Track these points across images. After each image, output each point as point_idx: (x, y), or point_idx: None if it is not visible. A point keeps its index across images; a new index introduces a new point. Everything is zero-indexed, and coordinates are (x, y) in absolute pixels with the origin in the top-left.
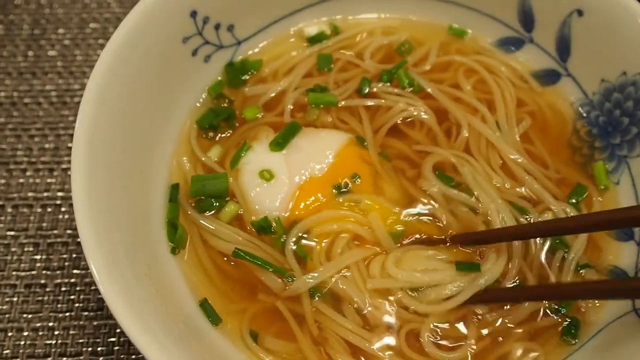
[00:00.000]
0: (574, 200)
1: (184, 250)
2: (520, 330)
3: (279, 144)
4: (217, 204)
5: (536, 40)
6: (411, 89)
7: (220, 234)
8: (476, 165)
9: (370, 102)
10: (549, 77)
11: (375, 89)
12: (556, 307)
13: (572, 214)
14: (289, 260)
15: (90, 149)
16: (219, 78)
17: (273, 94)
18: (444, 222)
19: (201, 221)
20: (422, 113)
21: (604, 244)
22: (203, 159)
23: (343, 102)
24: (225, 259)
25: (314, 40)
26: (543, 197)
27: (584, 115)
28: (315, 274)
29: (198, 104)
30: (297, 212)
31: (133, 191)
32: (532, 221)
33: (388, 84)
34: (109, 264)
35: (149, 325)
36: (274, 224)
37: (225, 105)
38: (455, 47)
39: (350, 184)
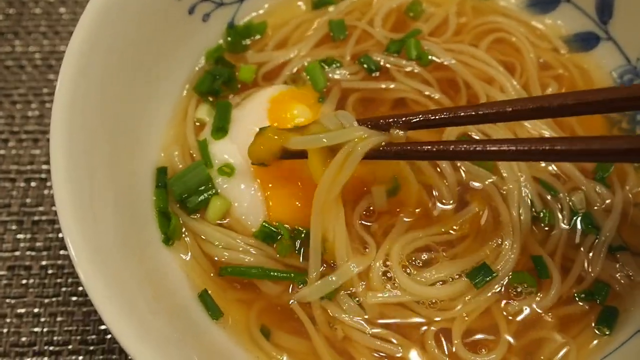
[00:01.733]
0: (600, 175)
1: (178, 242)
2: (551, 320)
3: (220, 130)
4: (204, 199)
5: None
6: (419, 60)
7: (212, 238)
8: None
9: (372, 85)
10: (585, 42)
11: (387, 64)
12: (588, 294)
13: (603, 193)
14: (313, 264)
15: (71, 121)
16: (220, 42)
17: (278, 63)
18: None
19: (190, 225)
20: (436, 95)
21: None
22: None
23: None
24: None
25: (319, 4)
26: (572, 174)
27: (626, 84)
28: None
29: (197, 68)
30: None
31: (120, 169)
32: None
33: (396, 54)
34: (91, 246)
35: (135, 318)
36: (279, 231)
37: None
38: (471, 5)
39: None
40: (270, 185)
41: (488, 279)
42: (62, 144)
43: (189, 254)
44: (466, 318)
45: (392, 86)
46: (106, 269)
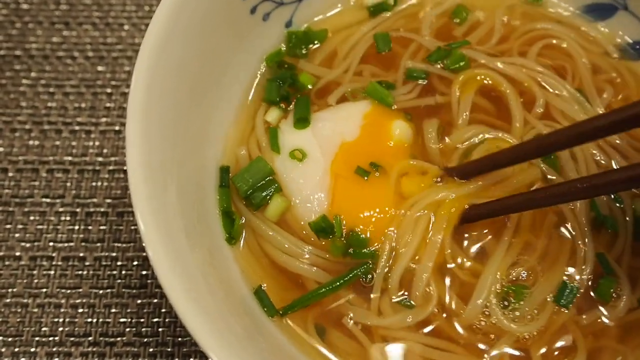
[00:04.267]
0: None
1: (239, 242)
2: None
3: (302, 120)
4: (268, 194)
5: (631, 8)
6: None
7: (272, 240)
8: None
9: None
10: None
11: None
12: None
13: None
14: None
15: (145, 120)
16: (280, 46)
17: (325, 82)
18: None
19: (253, 224)
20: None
21: None
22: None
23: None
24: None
25: (375, 10)
26: None
27: None
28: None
29: (259, 73)
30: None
31: (188, 165)
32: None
33: (440, 63)
34: (166, 244)
35: (203, 307)
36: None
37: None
38: (521, 11)
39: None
40: (343, 184)
41: (574, 299)
42: (138, 137)
43: (249, 251)
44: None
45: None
46: (174, 254)
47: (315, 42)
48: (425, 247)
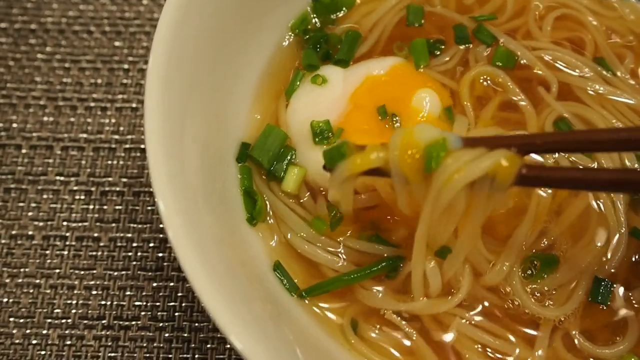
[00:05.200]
0: None
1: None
2: None
3: (342, 62)
4: (288, 163)
5: None
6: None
7: (293, 224)
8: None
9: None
10: None
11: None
12: None
13: None
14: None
15: (164, 93)
16: (307, 14)
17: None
18: None
19: (275, 207)
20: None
21: None
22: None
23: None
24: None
25: None
26: None
27: None
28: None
29: (284, 43)
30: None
31: (208, 141)
32: None
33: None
34: (186, 225)
35: (223, 289)
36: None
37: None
38: None
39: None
40: (359, 115)
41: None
42: (156, 113)
43: (270, 233)
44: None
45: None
46: (193, 231)
47: (343, 9)
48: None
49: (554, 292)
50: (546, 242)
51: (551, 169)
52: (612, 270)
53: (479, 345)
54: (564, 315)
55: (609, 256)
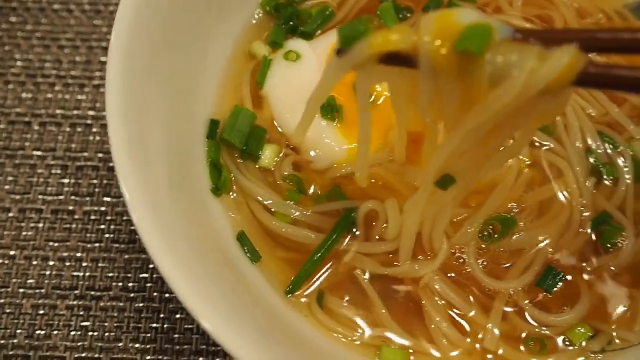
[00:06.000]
0: None
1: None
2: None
3: (307, 35)
4: (261, 139)
5: None
6: None
7: (260, 195)
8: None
9: None
10: None
11: None
12: None
13: None
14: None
15: (127, 66)
16: None
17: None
18: None
19: (242, 183)
20: None
21: None
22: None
23: None
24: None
25: None
26: (624, 122)
27: None
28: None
29: (253, 21)
30: None
31: (174, 116)
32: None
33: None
34: (144, 191)
35: (183, 259)
36: None
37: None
38: None
39: None
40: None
41: (559, 283)
42: (117, 86)
43: (236, 206)
44: None
45: None
46: (157, 212)
47: None
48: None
49: (508, 265)
50: (512, 213)
51: (628, 67)
52: (569, 246)
53: (440, 299)
54: (514, 289)
55: (569, 232)
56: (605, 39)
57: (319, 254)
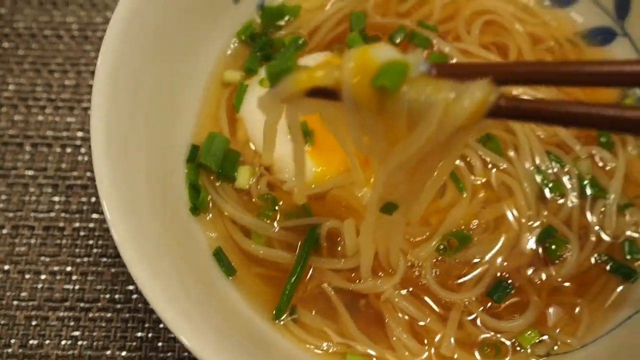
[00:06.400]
0: (603, 140)
1: (204, 214)
2: (570, 285)
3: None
4: (235, 162)
5: None
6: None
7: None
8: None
9: None
10: (601, 36)
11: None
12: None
13: (606, 157)
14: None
15: (112, 93)
16: (254, 20)
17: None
18: None
19: (219, 204)
20: None
21: None
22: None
23: None
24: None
25: None
26: (573, 143)
27: None
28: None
29: (229, 51)
30: None
31: (155, 140)
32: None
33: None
34: (125, 211)
35: (163, 276)
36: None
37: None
38: None
39: None
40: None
41: (508, 294)
42: (102, 112)
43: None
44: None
45: None
46: (137, 230)
47: (288, 17)
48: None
49: (462, 276)
50: (469, 230)
51: (536, 101)
52: (519, 258)
53: (400, 312)
54: (468, 299)
55: (518, 246)
56: (517, 72)
57: (295, 277)
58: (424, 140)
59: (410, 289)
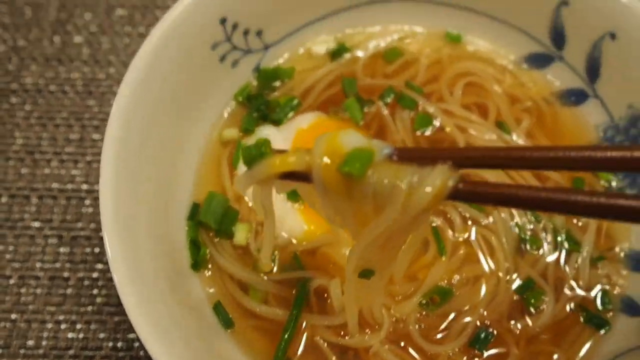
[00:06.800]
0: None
1: (204, 270)
2: (546, 336)
3: (277, 121)
4: (234, 220)
5: (566, 59)
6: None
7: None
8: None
9: None
10: (575, 97)
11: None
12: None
13: None
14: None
15: (118, 159)
16: (250, 83)
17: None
18: None
19: (218, 261)
20: None
21: (614, 231)
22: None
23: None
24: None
25: (335, 55)
26: None
27: (608, 138)
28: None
29: (227, 113)
30: None
31: (158, 201)
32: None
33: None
34: (130, 266)
35: (165, 333)
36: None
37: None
38: (447, 52)
39: None
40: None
41: (489, 343)
42: (110, 177)
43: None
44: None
45: None
46: (141, 287)
47: (284, 79)
48: None
49: (445, 329)
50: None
51: (492, 184)
52: (498, 309)
53: None
54: (452, 350)
55: (497, 298)
56: (475, 157)
57: (288, 333)
58: (391, 222)
59: (397, 343)
